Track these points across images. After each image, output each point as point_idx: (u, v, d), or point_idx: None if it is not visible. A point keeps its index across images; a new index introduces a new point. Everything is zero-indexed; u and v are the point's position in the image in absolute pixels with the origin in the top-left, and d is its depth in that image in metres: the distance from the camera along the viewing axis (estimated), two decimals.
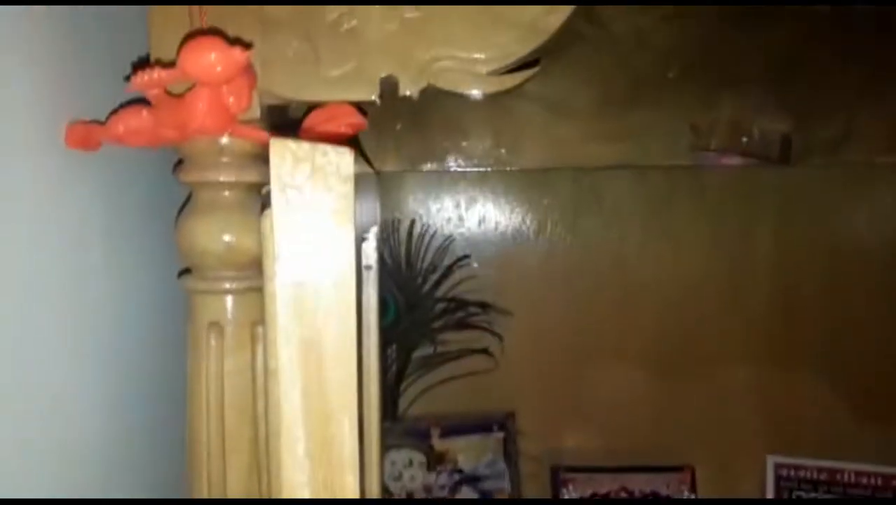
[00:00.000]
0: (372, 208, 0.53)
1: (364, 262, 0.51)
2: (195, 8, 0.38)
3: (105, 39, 0.44)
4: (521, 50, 0.40)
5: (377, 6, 0.39)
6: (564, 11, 0.40)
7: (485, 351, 0.92)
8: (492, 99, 0.52)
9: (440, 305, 0.92)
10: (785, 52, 0.53)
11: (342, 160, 0.27)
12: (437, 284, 0.92)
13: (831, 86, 0.53)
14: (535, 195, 0.89)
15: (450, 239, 0.92)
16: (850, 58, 0.53)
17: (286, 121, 0.42)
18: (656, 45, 0.54)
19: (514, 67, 0.40)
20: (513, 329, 0.93)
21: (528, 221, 0.93)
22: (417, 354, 0.92)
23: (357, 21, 0.40)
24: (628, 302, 0.92)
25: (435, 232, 0.91)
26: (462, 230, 0.92)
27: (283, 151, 0.29)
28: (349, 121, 0.39)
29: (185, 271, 0.42)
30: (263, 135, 0.38)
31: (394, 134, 0.53)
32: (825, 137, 0.54)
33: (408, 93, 0.40)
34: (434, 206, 0.90)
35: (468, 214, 0.92)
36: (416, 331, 0.91)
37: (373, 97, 0.40)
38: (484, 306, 0.92)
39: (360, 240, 0.51)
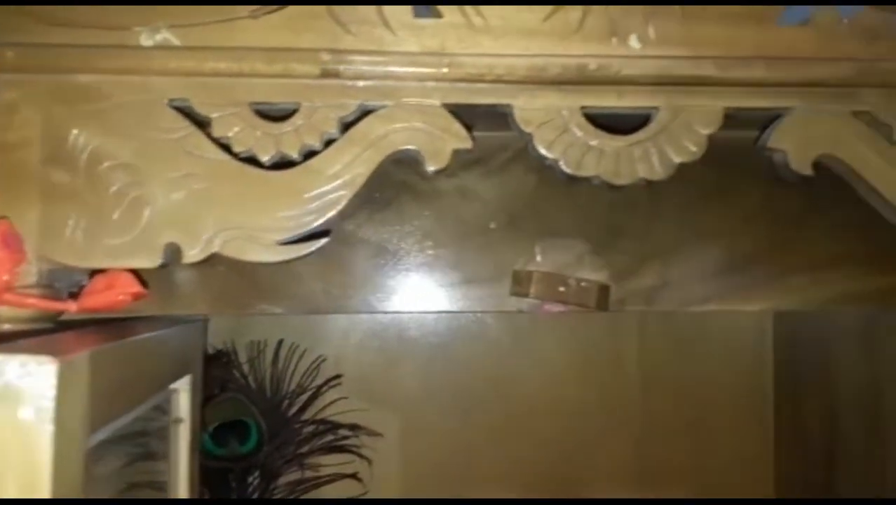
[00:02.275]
0: (189, 353, 0.52)
1: (174, 415, 0.50)
2: None
3: None
4: (309, 222, 0.41)
5: (161, 178, 0.40)
6: (353, 188, 0.41)
7: (353, 476, 0.90)
8: (323, 249, 0.53)
9: (309, 428, 0.90)
10: (603, 211, 0.56)
11: (40, 376, 0.26)
12: (306, 406, 0.90)
13: (646, 241, 0.56)
14: (403, 318, 0.90)
15: (320, 358, 0.91)
16: (663, 218, 0.56)
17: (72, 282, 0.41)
18: (481, 197, 0.56)
19: (305, 237, 0.41)
20: (383, 452, 0.91)
21: (400, 342, 0.93)
22: (284, 480, 0.89)
23: (143, 190, 0.40)
24: (501, 426, 0.93)
25: (304, 351, 0.90)
26: (333, 350, 0.92)
27: None
28: (128, 291, 0.39)
29: None
30: (33, 302, 0.38)
31: (220, 275, 0.53)
32: (641, 287, 0.57)
33: (192, 260, 0.40)
34: (302, 325, 0.90)
35: (337, 334, 0.91)
36: (282, 456, 0.88)
37: (155, 265, 0.40)
38: (354, 428, 0.91)
39: (169, 392, 0.50)
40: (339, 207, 0.41)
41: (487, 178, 0.56)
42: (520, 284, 0.56)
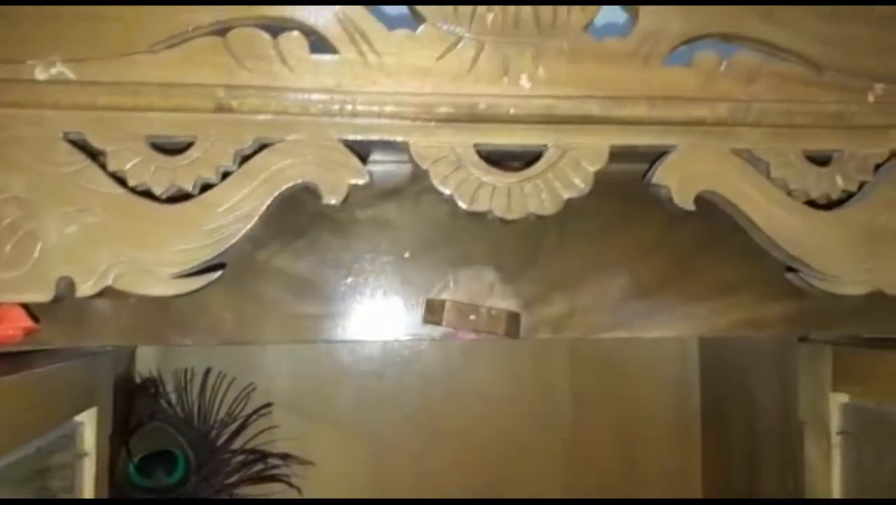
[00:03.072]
0: (96, 385, 0.52)
1: (77, 449, 0.49)
2: None
3: None
4: (205, 255, 0.41)
5: (54, 212, 0.40)
6: (249, 221, 0.42)
7: None
8: (235, 279, 0.54)
9: (238, 458, 0.89)
10: (514, 241, 0.58)
11: None
12: (235, 435, 0.89)
13: (554, 271, 0.58)
14: (335, 345, 0.90)
15: (250, 387, 0.91)
16: (569, 248, 0.58)
17: None
18: (396, 227, 0.57)
19: (200, 270, 0.42)
20: (315, 481, 0.91)
21: (333, 369, 0.94)
22: None
23: (36, 224, 0.40)
24: (432, 452, 0.93)
25: (234, 380, 0.90)
26: (264, 378, 0.91)
27: None
28: (18, 325, 0.39)
29: None
30: None
31: (130, 306, 0.53)
32: (550, 315, 0.58)
33: (86, 294, 0.40)
34: (232, 353, 0.89)
35: (268, 361, 0.91)
36: (210, 487, 0.87)
37: (48, 299, 0.40)
38: (285, 457, 0.90)
39: (74, 425, 0.50)
40: (235, 240, 0.41)
41: (402, 207, 0.57)
42: (432, 312, 0.57)
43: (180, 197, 0.42)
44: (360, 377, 0.93)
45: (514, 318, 0.58)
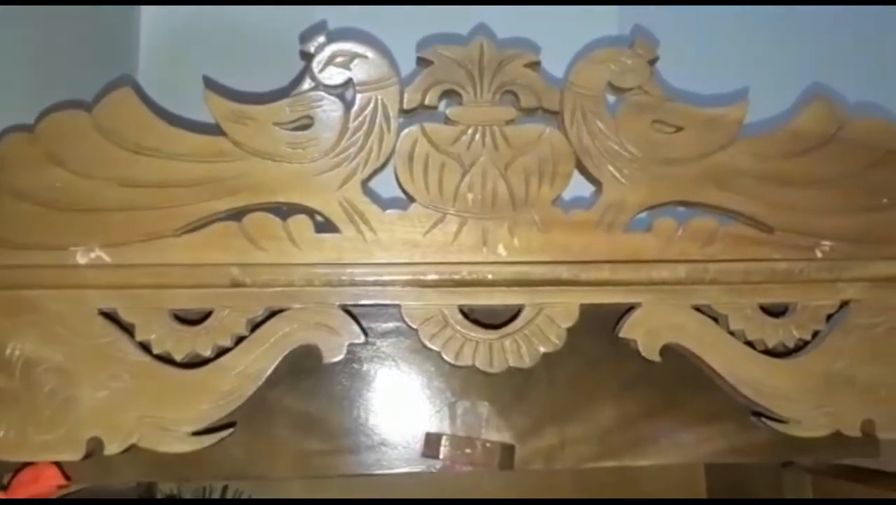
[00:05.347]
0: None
1: None
2: None
3: None
4: (219, 414, 0.46)
5: (89, 379, 0.46)
6: (258, 381, 0.47)
7: None
8: (247, 417, 0.59)
9: None
10: (506, 377, 0.62)
11: None
12: None
13: (545, 405, 0.62)
14: None
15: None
16: (558, 384, 0.62)
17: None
18: (398, 363, 0.62)
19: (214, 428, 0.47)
20: None
21: (341, 485, 0.96)
22: None
23: (73, 390, 0.46)
24: None
25: (250, 497, 0.93)
26: (278, 494, 0.94)
27: None
28: (52, 483, 0.44)
29: None
30: None
31: None
32: (542, 446, 0.62)
33: (113, 452, 0.45)
34: None
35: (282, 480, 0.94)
36: None
37: (78, 458, 0.45)
38: None
39: None
40: (244, 399, 0.46)
41: (403, 344, 0.62)
42: (430, 446, 0.61)
43: (198, 361, 0.47)
44: (372, 493, 0.96)
45: (508, 450, 0.62)
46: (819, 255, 0.51)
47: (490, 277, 0.49)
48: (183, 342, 0.47)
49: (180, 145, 0.49)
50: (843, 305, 0.52)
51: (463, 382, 0.63)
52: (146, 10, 0.78)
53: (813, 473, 0.61)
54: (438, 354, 0.51)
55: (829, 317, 0.52)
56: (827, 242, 0.52)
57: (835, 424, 0.50)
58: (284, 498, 0.91)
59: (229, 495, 0.91)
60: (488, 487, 0.97)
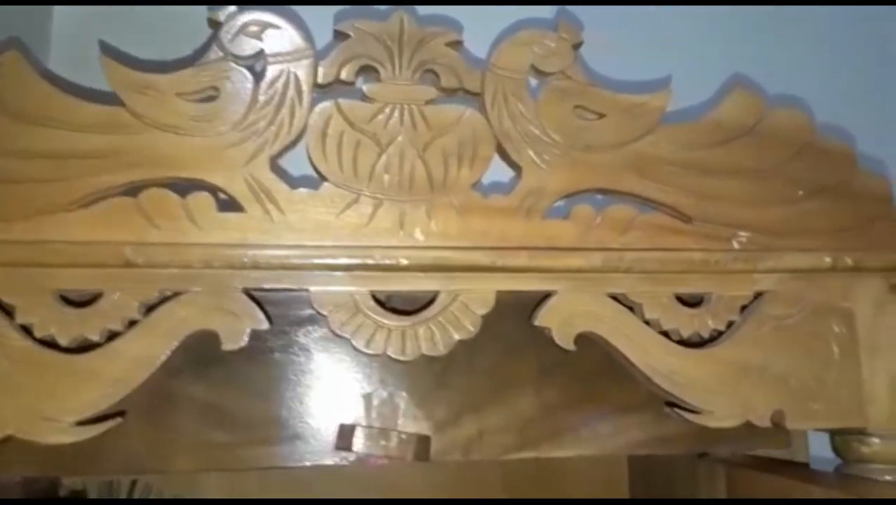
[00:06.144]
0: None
1: None
2: None
3: None
4: (107, 403, 0.43)
5: None
6: (151, 368, 0.44)
7: None
8: (148, 408, 0.55)
9: None
10: (426, 366, 0.60)
11: None
12: None
13: (464, 394, 0.61)
14: None
15: (177, 501, 0.90)
16: (478, 372, 0.61)
17: None
18: (311, 355, 0.60)
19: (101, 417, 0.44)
20: None
21: (259, 482, 0.93)
22: None
23: None
24: None
25: (161, 492, 0.89)
26: (189, 492, 0.91)
27: None
28: None
29: None
30: None
31: None
32: (459, 437, 0.61)
33: None
34: None
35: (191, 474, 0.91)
36: None
37: None
38: None
39: None
40: (135, 386, 0.43)
41: (316, 333, 0.60)
42: (344, 438, 0.59)
43: (86, 346, 0.44)
44: (291, 491, 0.93)
45: (423, 441, 0.60)
46: (736, 245, 0.51)
47: (405, 261, 0.47)
48: (69, 326, 0.44)
49: (74, 115, 0.46)
50: (758, 296, 0.52)
51: (380, 372, 0.61)
52: None
53: (726, 463, 0.61)
54: (358, 349, 0.49)
55: (744, 308, 0.52)
56: (744, 233, 0.52)
57: (746, 415, 0.50)
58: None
59: (137, 492, 0.87)
60: (406, 484, 0.95)
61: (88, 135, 0.46)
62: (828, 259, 0.52)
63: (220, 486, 0.90)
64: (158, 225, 0.45)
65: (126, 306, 0.44)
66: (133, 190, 0.46)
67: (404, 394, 0.61)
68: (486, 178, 0.50)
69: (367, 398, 0.61)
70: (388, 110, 0.48)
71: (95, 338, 0.44)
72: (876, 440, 0.52)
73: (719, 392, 0.50)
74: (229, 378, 0.59)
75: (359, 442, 0.58)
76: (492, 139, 0.49)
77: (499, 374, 0.62)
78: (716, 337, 0.51)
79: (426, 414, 0.61)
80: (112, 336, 0.44)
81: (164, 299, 0.45)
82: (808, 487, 0.51)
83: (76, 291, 0.44)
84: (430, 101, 0.49)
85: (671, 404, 0.51)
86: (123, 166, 0.46)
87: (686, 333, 0.50)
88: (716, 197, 0.52)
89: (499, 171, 0.51)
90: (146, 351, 0.44)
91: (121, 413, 0.44)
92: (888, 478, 0.52)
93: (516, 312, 0.51)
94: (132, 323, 0.45)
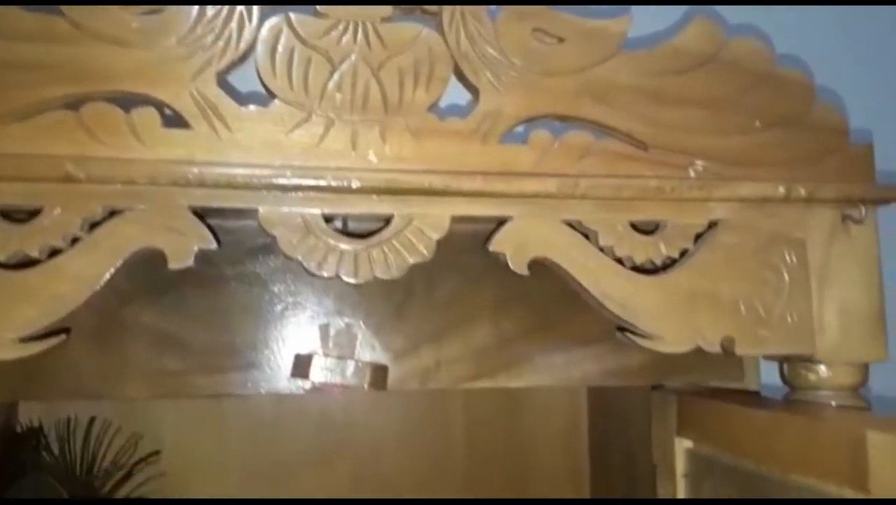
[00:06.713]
0: None
1: None
2: None
3: None
4: (49, 320, 0.42)
5: None
6: (94, 286, 0.43)
7: None
8: (99, 334, 0.55)
9: None
10: (384, 295, 0.60)
11: None
12: (120, 484, 0.88)
13: (422, 323, 0.61)
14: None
15: (137, 436, 0.89)
16: (436, 302, 0.61)
17: None
18: (265, 283, 0.59)
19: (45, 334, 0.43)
20: None
21: (223, 419, 0.93)
22: None
23: None
24: (329, 494, 0.93)
25: (119, 429, 0.89)
26: (152, 428, 0.90)
27: None
28: None
29: None
30: None
31: None
32: (417, 367, 0.61)
33: None
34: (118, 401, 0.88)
35: (155, 409, 0.90)
36: None
37: None
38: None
39: None
40: (78, 304, 0.42)
41: (272, 263, 0.59)
42: (299, 367, 0.59)
43: (28, 263, 0.43)
44: (251, 425, 0.93)
45: (379, 370, 0.60)
46: (692, 174, 0.51)
47: (358, 183, 0.46)
48: (9, 242, 0.42)
49: (9, 23, 0.44)
50: (712, 225, 0.52)
51: (338, 302, 0.61)
52: None
53: (679, 393, 0.62)
54: (310, 271, 0.48)
55: (699, 236, 0.52)
56: (700, 162, 0.52)
57: (696, 340, 0.51)
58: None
59: (96, 428, 0.87)
60: (369, 417, 0.96)
61: (25, 44, 0.44)
62: (782, 189, 0.52)
63: (177, 421, 0.90)
64: (101, 140, 0.43)
65: (68, 223, 0.43)
66: (75, 105, 0.44)
67: (362, 324, 0.61)
68: (444, 101, 0.49)
69: (324, 328, 0.60)
70: (341, 27, 0.47)
71: (35, 254, 0.43)
72: (823, 367, 0.53)
73: (670, 318, 0.51)
74: (183, 306, 0.58)
75: (315, 370, 0.58)
76: (449, 60, 0.48)
77: (457, 305, 0.62)
78: (669, 265, 0.51)
79: (384, 344, 0.61)
80: (54, 253, 0.43)
81: (107, 217, 0.44)
82: (757, 411, 0.52)
83: (15, 206, 0.43)
84: (385, 19, 0.48)
85: (623, 330, 0.51)
86: (63, 78, 0.44)
87: (640, 260, 0.50)
88: (673, 125, 0.52)
89: (457, 94, 0.50)
90: (89, 269, 0.43)
91: (65, 330, 0.43)
92: (833, 403, 0.53)
93: (475, 243, 0.51)
94: (75, 240, 0.43)
